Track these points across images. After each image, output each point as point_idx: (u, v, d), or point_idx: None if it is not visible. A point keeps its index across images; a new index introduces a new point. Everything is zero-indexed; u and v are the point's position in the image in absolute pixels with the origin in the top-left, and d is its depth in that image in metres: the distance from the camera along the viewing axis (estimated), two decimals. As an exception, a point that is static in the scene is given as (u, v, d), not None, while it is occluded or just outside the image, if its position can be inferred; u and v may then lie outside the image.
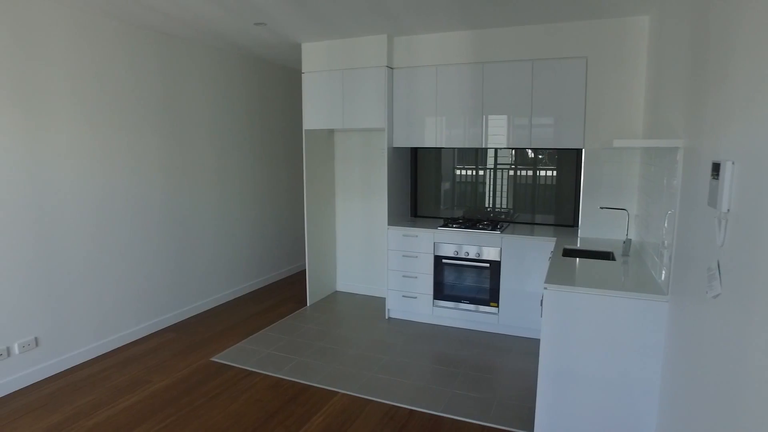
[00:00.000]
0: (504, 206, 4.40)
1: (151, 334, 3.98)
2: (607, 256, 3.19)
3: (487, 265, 3.92)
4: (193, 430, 2.63)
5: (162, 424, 2.69)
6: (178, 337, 3.91)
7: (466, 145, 4.05)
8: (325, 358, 3.54)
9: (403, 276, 4.22)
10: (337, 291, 5.15)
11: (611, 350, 2.30)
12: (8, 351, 3.03)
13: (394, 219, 4.38)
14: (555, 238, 3.63)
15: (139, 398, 2.98)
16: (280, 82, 5.41)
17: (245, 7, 3.27)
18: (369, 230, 4.91)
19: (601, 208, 3.60)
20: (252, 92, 4.98)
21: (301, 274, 5.79)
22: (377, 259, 4.91)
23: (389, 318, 4.36)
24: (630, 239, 3.18)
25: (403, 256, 4.19)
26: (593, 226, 3.71)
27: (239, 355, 3.57)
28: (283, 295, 5.02)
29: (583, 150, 3.70)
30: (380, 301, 4.78)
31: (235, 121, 4.77)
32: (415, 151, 4.67)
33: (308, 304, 4.70)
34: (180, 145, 4.16)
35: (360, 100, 4.17)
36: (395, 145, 4.27)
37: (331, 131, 4.88)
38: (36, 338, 3.17)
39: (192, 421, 2.72)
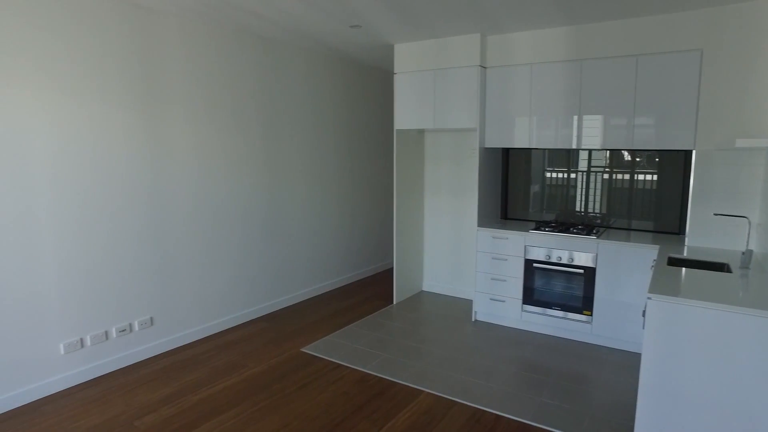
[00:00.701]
0: (598, 210, 4.17)
1: (247, 322, 4.24)
2: (721, 267, 2.92)
3: (581, 271, 3.74)
4: (284, 416, 2.77)
5: (256, 407, 2.86)
6: (270, 327, 4.13)
7: (558, 146, 3.89)
8: (410, 356, 3.56)
9: (492, 279, 4.14)
10: (423, 291, 5.17)
11: (728, 372, 2.10)
12: (130, 327, 3.38)
13: (484, 220, 4.30)
14: (657, 246, 3.38)
15: (235, 381, 3.18)
16: (371, 83, 5.53)
17: (342, 10, 3.38)
18: (457, 231, 4.87)
19: (716, 215, 3.29)
20: (344, 93, 5.14)
21: (388, 273, 5.87)
22: (464, 261, 4.86)
23: (476, 320, 4.30)
24: (751, 250, 2.87)
25: (493, 258, 4.11)
26: (704, 235, 3.40)
27: (327, 348, 3.70)
28: (370, 293, 5.12)
29: (694, 151, 3.41)
30: (466, 303, 4.73)
31: (327, 122, 4.95)
32: (506, 152, 4.57)
33: (394, 303, 4.76)
34: (276, 145, 4.39)
35: (451, 100, 4.15)
36: (486, 146, 4.20)
37: (421, 131, 4.91)
38: (151, 318, 3.51)
39: (283, 407, 2.86)
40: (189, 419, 2.74)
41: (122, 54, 3.18)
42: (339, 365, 3.42)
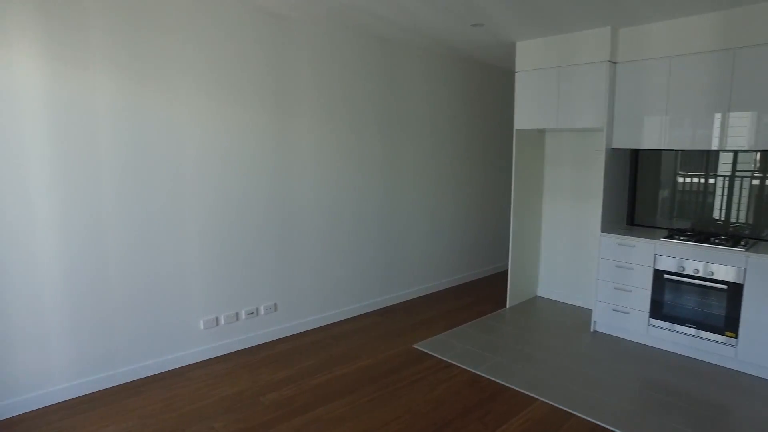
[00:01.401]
0: (743, 220, 3.69)
1: (361, 315, 4.39)
2: None
3: (724, 286, 3.34)
4: (395, 408, 2.83)
5: (368, 397, 2.95)
6: (383, 322, 4.24)
7: (694, 147, 3.51)
8: (523, 362, 3.45)
9: (615, 288, 3.86)
10: (537, 296, 4.98)
11: None
12: (257, 311, 3.68)
13: (609, 226, 4.03)
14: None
15: (349, 370, 3.32)
16: (489, 82, 5.44)
17: (465, 9, 3.37)
18: (577, 236, 4.62)
19: None
20: (461, 93, 5.11)
21: (501, 276, 5.74)
22: (584, 267, 4.59)
23: (594, 331, 4.04)
24: None
25: (617, 266, 3.84)
26: None
27: (439, 346, 3.71)
28: (482, 294, 5.04)
29: None
30: (585, 312, 4.46)
31: (444, 121, 4.96)
32: (634, 154, 4.23)
33: (507, 306, 4.64)
34: (394, 143, 4.49)
35: (576, 99, 3.95)
36: (614, 146, 3.92)
37: (542, 131, 4.72)
38: (275, 304, 3.78)
39: (395, 400, 2.93)
40: (307, 400, 2.91)
41: (255, 59, 3.47)
42: (450, 364, 3.41)
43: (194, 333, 3.37)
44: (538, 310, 4.58)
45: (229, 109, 3.36)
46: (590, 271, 4.52)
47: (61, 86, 2.69)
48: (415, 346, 3.73)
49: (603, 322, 4.00)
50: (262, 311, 3.70)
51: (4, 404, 2.70)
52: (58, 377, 2.86)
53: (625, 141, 3.87)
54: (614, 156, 3.99)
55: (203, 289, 3.38)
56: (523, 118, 4.32)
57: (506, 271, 5.88)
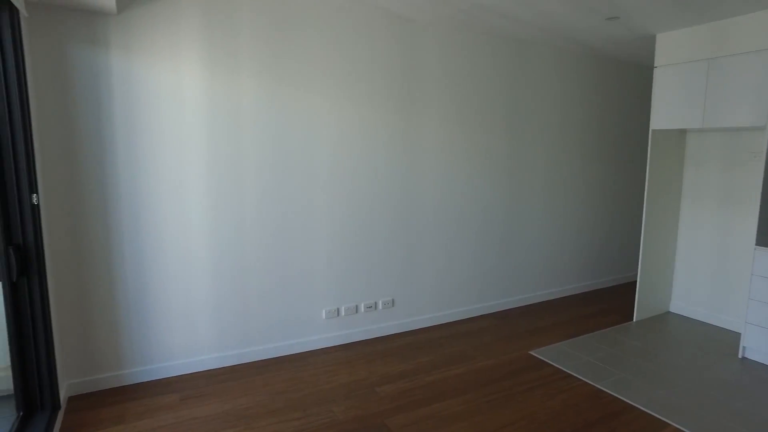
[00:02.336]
0: None
1: (477, 316, 4.35)
2: None
3: None
4: (511, 413, 2.77)
5: (484, 399, 2.92)
6: (500, 324, 4.16)
7: None
8: (652, 382, 3.18)
9: (771, 309, 3.39)
10: (669, 312, 4.54)
11: None
12: (375, 305, 3.82)
13: (765, 238, 3.55)
14: None
15: (465, 370, 3.31)
16: (622, 79, 5.07)
17: (601, 2, 3.18)
18: (722, 248, 4.13)
19: None
20: (592, 91, 4.83)
21: (627, 287, 5.33)
22: (730, 283, 4.09)
23: (743, 357, 3.59)
24: None
25: (774, 284, 3.37)
26: None
27: (557, 355, 3.55)
28: (606, 305, 4.72)
29: None
30: (729, 335, 3.98)
31: (573, 122, 4.72)
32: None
33: (634, 320, 4.29)
34: (516, 144, 4.38)
35: (730, 94, 3.53)
36: (775, 147, 3.44)
37: (682, 131, 4.29)
38: (393, 299, 3.89)
39: (510, 405, 2.86)
40: (422, 396, 2.96)
41: (387, 61, 3.60)
42: (569, 375, 3.25)
43: (317, 321, 3.59)
44: (670, 326, 4.18)
45: (361, 109, 3.53)
46: (738, 288, 4.02)
47: (215, 88, 3.04)
48: (532, 352, 3.61)
49: (756, 348, 3.53)
50: (380, 306, 3.83)
51: (164, 366, 3.11)
52: (204, 349, 3.23)
53: (790, 142, 3.38)
54: (775, 159, 3.50)
55: (327, 282, 3.59)
56: (661, 118, 3.97)
57: (635, 282, 5.45)
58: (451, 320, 4.23)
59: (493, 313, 4.46)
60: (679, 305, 4.49)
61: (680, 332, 4.05)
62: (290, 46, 3.23)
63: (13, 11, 2.29)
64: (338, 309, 3.67)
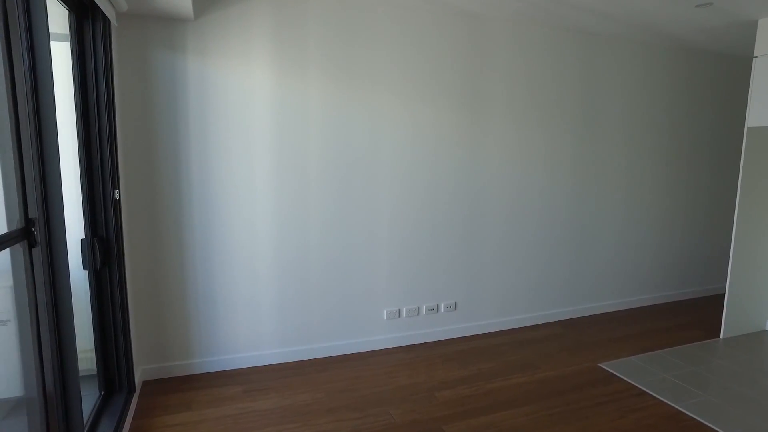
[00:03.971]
0: None
1: (542, 324, 4.17)
2: None
3: None
4: (577, 429, 2.62)
5: (548, 412, 2.78)
6: (566, 334, 3.96)
7: None
8: (744, 407, 2.88)
9: None
10: (765, 331, 4.11)
11: None
12: (437, 308, 3.76)
13: None
14: None
15: (528, 380, 3.17)
16: (710, 73, 4.66)
17: (689, -9, 2.93)
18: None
19: None
20: (673, 86, 4.47)
21: (714, 300, 4.90)
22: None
23: None
24: None
25: None
26: None
27: (630, 370, 3.32)
28: (687, 319, 4.36)
29: None
30: (836, 359, 3.55)
31: (650, 119, 4.40)
32: None
33: (721, 337, 3.93)
34: (591, 144, 4.15)
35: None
36: None
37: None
38: (455, 303, 3.81)
39: (577, 420, 2.70)
40: (482, 404, 2.87)
41: (455, 60, 3.53)
42: (643, 392, 3.03)
43: (378, 322, 3.59)
44: (766, 346, 3.78)
45: (430, 109, 3.48)
46: None
47: (283, 90, 3.11)
48: (601, 365, 3.40)
49: None
50: (442, 309, 3.77)
51: (230, 358, 3.24)
52: (268, 344, 3.32)
53: None
54: None
55: (389, 282, 3.57)
56: (761, 114, 3.59)
57: (719, 295, 5.00)
58: (515, 326, 4.08)
59: (560, 321, 4.25)
60: (775, 323, 4.07)
61: (776, 353, 3.66)
62: (353, 47, 3.25)
63: (106, 22, 2.46)
64: (399, 310, 3.64)
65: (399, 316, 3.64)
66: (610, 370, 3.33)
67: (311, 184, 3.27)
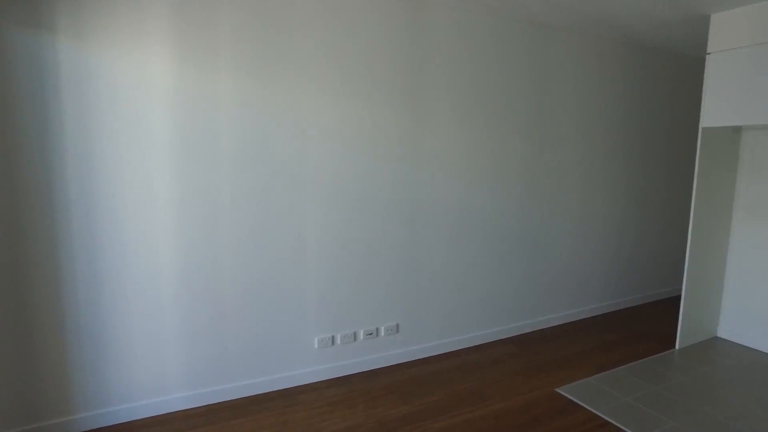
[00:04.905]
0: None
1: (491, 342, 3.81)
2: None
3: None
4: (539, 479, 2.24)
5: (504, 456, 2.40)
6: (518, 353, 3.62)
7: None
8: (711, 433, 2.62)
9: None
10: (717, 337, 3.95)
11: None
12: (377, 331, 3.30)
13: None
14: None
15: (480, 414, 2.78)
16: (666, 71, 4.48)
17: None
18: (783, 266, 3.54)
19: None
20: (629, 85, 4.25)
21: (665, 304, 4.75)
22: (792, 308, 3.51)
23: (815, 399, 3.01)
24: None
25: None
26: None
27: (589, 394, 3.01)
28: (641, 328, 4.15)
29: None
30: (792, 368, 3.40)
31: (604, 119, 4.15)
32: None
33: (677, 348, 3.72)
34: (541, 145, 3.83)
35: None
36: None
37: (736, 130, 3.70)
38: (397, 324, 3.37)
39: (537, 465, 2.33)
40: (429, 452, 2.44)
41: (393, 50, 3.08)
42: (606, 422, 2.70)
43: (308, 351, 3.09)
44: (723, 356, 3.60)
45: (357, 106, 3.02)
46: (803, 312, 3.44)
47: (187, 83, 2.55)
48: (558, 390, 3.07)
49: (828, 387, 2.95)
50: (382, 332, 3.32)
51: (126, 408, 2.63)
52: (174, 387, 2.75)
53: None
54: None
55: (320, 305, 3.08)
56: (715, 113, 3.38)
57: (668, 299, 4.87)
58: (463, 347, 3.69)
59: (511, 338, 3.91)
60: (729, 329, 3.91)
61: (738, 364, 3.47)
62: (278, 34, 2.74)
63: None
64: (333, 337, 3.16)
65: (333, 343, 3.16)
66: (568, 395, 3.00)
67: (224, 197, 2.73)
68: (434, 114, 3.29)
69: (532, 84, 3.70)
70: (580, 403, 2.91)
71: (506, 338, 3.89)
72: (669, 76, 4.53)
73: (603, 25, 3.65)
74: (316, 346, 3.10)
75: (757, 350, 3.70)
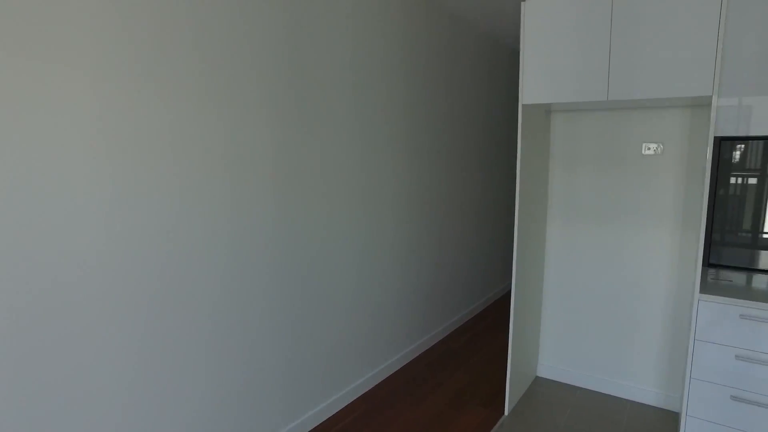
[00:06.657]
0: None
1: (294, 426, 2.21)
2: None
3: None
4: None
5: None
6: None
7: None
8: None
9: (733, 398, 2.09)
10: (537, 378, 3.12)
11: None
12: None
13: (713, 285, 2.27)
14: None
15: None
16: (478, 43, 3.48)
17: None
18: (615, 282, 2.82)
19: None
20: (437, 60, 3.09)
21: (473, 327, 3.83)
22: (627, 333, 2.82)
23: (686, 463, 2.25)
24: None
25: (739, 358, 2.07)
26: None
27: None
28: (461, 380, 3.06)
29: None
30: (634, 408, 2.70)
31: (385, 100, 2.91)
32: (718, 149, 2.50)
33: (506, 413, 2.70)
34: (305, 134, 2.36)
35: (649, 50, 2.13)
36: (723, 134, 2.15)
37: (546, 110, 2.85)
38: None
39: None
40: None
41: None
42: None
43: None
44: (559, 412, 2.71)
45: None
46: (638, 340, 2.77)
47: None
48: None
49: (698, 448, 2.22)
50: None
51: None
52: None
53: (734, 122, 2.12)
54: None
55: None
56: (535, 89, 2.42)
57: (490, 306, 4.02)
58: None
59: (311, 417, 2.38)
60: (547, 367, 3.11)
61: (579, 418, 2.60)
62: None
63: None
64: None
65: None
66: None
67: None
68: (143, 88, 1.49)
69: (289, 50, 2.19)
70: None
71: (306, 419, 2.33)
72: (486, 50, 3.57)
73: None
74: None
75: (576, 386, 2.97)
